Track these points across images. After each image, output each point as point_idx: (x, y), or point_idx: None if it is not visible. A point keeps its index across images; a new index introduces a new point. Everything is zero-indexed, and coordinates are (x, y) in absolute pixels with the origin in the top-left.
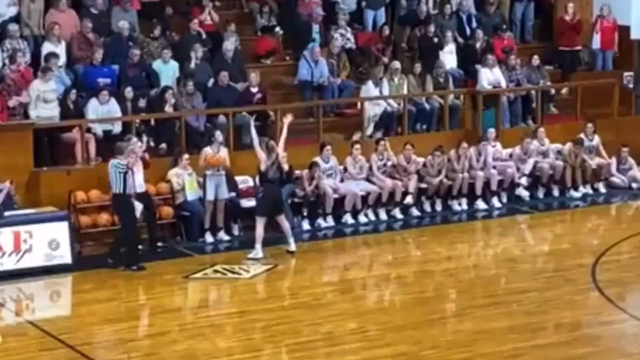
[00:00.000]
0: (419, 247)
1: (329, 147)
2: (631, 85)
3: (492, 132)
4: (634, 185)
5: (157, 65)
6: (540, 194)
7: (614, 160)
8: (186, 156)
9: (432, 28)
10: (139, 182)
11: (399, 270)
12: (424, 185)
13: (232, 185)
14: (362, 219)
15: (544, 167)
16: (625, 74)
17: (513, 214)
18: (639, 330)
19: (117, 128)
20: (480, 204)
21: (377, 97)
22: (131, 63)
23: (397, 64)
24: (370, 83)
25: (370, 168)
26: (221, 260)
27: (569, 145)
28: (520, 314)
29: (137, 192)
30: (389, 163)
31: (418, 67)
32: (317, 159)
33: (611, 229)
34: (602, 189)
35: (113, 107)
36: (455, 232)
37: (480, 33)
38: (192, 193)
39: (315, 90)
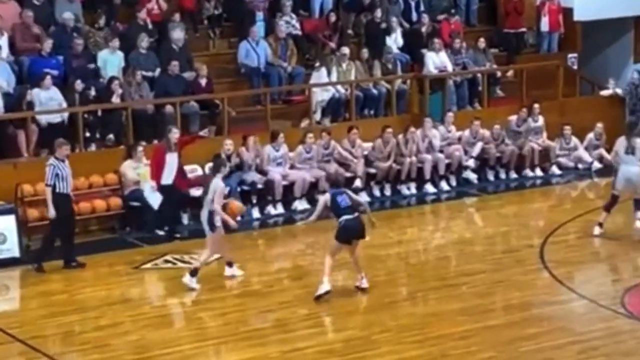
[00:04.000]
0: (369, 232)
1: (282, 135)
2: (575, 67)
3: (450, 115)
4: (580, 165)
5: (102, 55)
6: (489, 176)
7: (562, 142)
8: (140, 148)
9: (378, 13)
10: (169, 173)
11: (348, 255)
12: (372, 171)
13: (181, 174)
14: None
15: (491, 150)
16: (570, 55)
17: (462, 197)
18: (587, 310)
19: (58, 119)
20: (429, 188)
21: (324, 84)
22: (75, 54)
23: (345, 50)
24: (322, 70)
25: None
26: (171, 250)
27: (496, 127)
28: (470, 296)
29: (163, 184)
30: (335, 151)
31: (365, 53)
32: (267, 147)
33: (558, 210)
34: (549, 170)
35: (55, 95)
36: (405, 217)
37: (426, 18)
38: (147, 184)
39: (263, 77)
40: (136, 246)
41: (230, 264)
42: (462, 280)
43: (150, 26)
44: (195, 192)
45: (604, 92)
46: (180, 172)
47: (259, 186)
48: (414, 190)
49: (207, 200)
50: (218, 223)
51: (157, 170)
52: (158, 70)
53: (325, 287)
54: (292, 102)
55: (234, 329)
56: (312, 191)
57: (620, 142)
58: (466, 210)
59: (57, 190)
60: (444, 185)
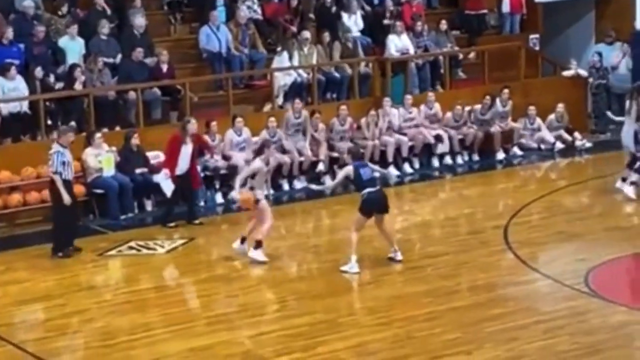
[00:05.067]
0: (334, 215)
1: (240, 119)
2: (537, 47)
3: (408, 97)
4: (543, 146)
5: (63, 42)
6: (456, 159)
7: (525, 122)
8: (98, 135)
9: None
10: (183, 164)
11: (314, 239)
12: (336, 155)
13: (143, 160)
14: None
15: (453, 133)
16: (531, 36)
17: (425, 179)
18: (551, 290)
19: (19, 107)
20: (393, 171)
21: (286, 68)
22: (37, 41)
23: (306, 34)
24: (284, 54)
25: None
26: (135, 237)
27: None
28: (435, 278)
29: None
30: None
31: (327, 37)
32: (229, 132)
33: (522, 191)
34: (511, 152)
35: (20, 84)
36: None
37: (388, 0)
38: (109, 170)
39: (225, 62)
40: (100, 233)
41: (244, 240)
42: (426, 262)
43: (109, 12)
44: (156, 178)
45: (566, 73)
46: (193, 167)
47: (223, 171)
48: (377, 174)
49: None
50: (260, 196)
51: (170, 160)
52: (119, 57)
53: (354, 267)
54: (254, 86)
55: (200, 314)
56: (276, 176)
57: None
58: (430, 193)
59: (63, 177)
60: (407, 167)
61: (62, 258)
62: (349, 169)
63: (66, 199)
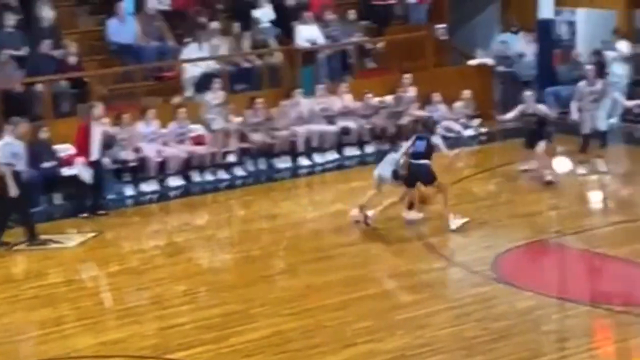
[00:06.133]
0: (244, 206)
1: (151, 111)
2: (444, 37)
3: (320, 87)
4: (450, 134)
5: None
6: (369, 148)
7: (431, 111)
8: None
9: None
10: (96, 146)
11: (225, 230)
12: (246, 145)
13: (51, 154)
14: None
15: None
16: (438, 26)
17: (336, 169)
18: (460, 276)
19: None
20: (303, 161)
21: (195, 59)
22: None
23: (215, 25)
24: (192, 45)
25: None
26: (44, 231)
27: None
28: (346, 267)
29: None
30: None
31: (237, 27)
32: (139, 124)
33: None
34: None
35: None
36: (280, 190)
37: None
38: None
39: (133, 54)
40: (7, 227)
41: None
42: (337, 251)
43: (15, 4)
44: (67, 171)
45: (473, 62)
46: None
47: (132, 164)
48: (288, 164)
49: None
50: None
51: (82, 149)
52: (26, 49)
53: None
54: (164, 78)
55: (111, 307)
56: (186, 168)
57: None
58: (340, 182)
59: (13, 169)
60: (317, 157)
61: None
62: (409, 141)
63: (14, 191)
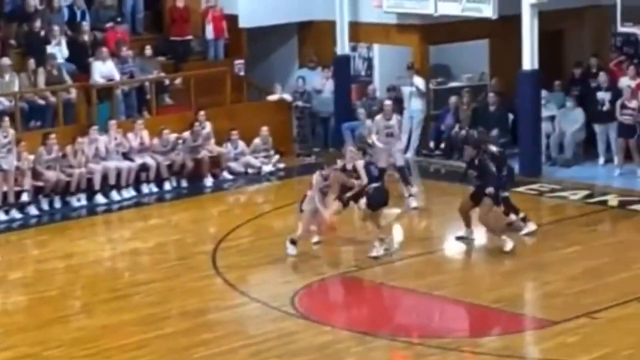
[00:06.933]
0: (38, 246)
1: None
2: (242, 73)
3: (112, 123)
4: (250, 170)
5: None
6: (168, 185)
7: (230, 147)
8: None
9: (38, 23)
10: None
11: (18, 271)
12: (40, 184)
13: None
14: None
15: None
16: (236, 61)
17: (134, 206)
18: (259, 312)
19: None
20: (100, 198)
21: None
22: None
23: (6, 61)
24: None
25: None
26: None
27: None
28: (144, 306)
29: None
30: None
31: (31, 64)
32: None
33: (230, 215)
34: (221, 176)
35: None
36: (76, 229)
37: (86, 26)
38: None
39: None
40: None
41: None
42: (135, 290)
43: None
44: None
45: (271, 97)
46: None
47: None
48: (84, 202)
49: None
50: None
51: None
52: None
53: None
54: None
55: None
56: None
57: None
58: (139, 220)
59: None
60: (115, 195)
61: None
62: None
63: None
